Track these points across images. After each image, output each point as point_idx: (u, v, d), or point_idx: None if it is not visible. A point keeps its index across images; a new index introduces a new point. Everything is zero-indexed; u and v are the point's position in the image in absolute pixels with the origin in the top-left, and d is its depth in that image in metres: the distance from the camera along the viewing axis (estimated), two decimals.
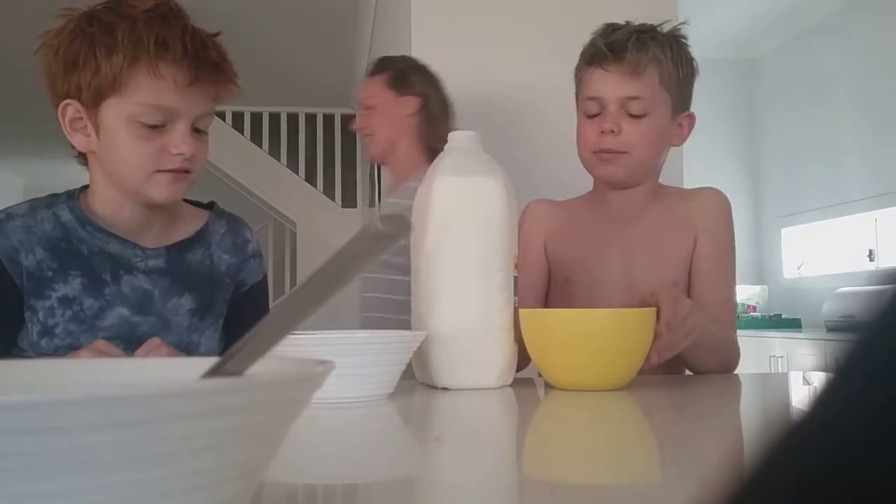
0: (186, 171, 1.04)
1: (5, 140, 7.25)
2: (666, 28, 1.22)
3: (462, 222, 1.00)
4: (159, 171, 1.02)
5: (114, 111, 1.00)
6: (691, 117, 1.26)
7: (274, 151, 6.20)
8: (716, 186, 1.28)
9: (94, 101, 1.00)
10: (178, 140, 1.02)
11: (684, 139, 1.27)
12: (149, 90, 0.99)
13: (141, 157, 1.01)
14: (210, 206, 1.21)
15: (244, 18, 4.43)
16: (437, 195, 1.01)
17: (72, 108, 1.02)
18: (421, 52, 2.15)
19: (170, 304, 1.10)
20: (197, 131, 1.05)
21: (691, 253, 1.23)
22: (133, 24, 0.99)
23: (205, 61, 1.02)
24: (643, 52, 1.18)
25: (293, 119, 6.38)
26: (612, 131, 1.19)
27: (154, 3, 1.00)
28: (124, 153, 1.02)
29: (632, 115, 1.19)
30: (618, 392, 0.92)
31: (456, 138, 1.06)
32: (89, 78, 0.99)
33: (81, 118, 1.02)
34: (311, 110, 6.46)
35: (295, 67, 5.28)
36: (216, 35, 1.07)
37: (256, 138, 6.14)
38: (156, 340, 1.00)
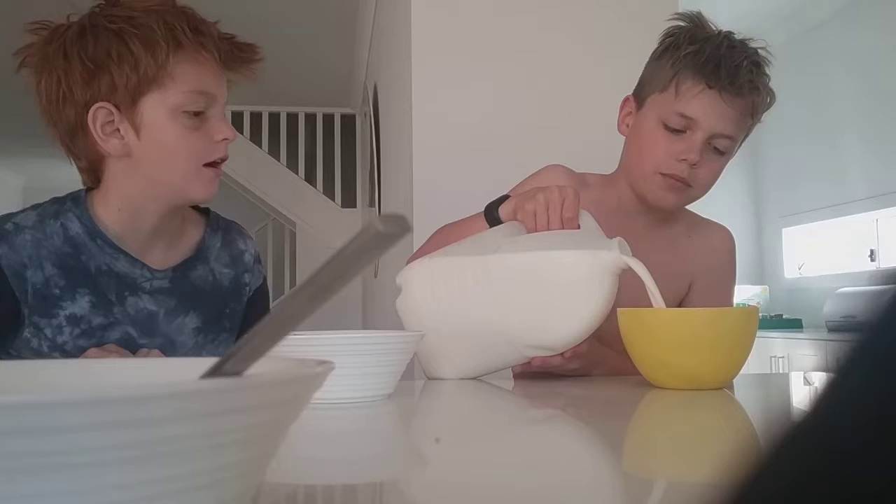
0: (222, 161, 1.03)
1: (4, 140, 7.24)
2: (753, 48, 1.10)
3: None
4: (205, 166, 1.00)
5: (156, 106, 0.96)
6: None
7: (273, 151, 6.21)
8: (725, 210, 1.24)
9: (132, 99, 0.95)
10: (220, 126, 1.00)
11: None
12: (192, 77, 0.96)
13: (191, 149, 0.98)
14: (206, 213, 1.16)
15: (243, 18, 4.42)
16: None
17: (104, 111, 0.95)
18: (421, 52, 2.15)
19: (174, 323, 1.06)
20: None
21: (681, 296, 1.21)
22: (159, 14, 0.95)
23: (232, 40, 1.02)
24: (773, 99, 1.10)
25: (293, 119, 6.39)
26: (694, 165, 1.09)
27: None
28: (173, 148, 0.98)
29: (715, 150, 1.10)
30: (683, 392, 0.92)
31: None
32: (127, 74, 0.93)
33: (112, 121, 0.96)
34: (311, 110, 6.46)
35: (294, 67, 5.28)
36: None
37: (256, 138, 6.14)
38: (143, 350, 1.00)
